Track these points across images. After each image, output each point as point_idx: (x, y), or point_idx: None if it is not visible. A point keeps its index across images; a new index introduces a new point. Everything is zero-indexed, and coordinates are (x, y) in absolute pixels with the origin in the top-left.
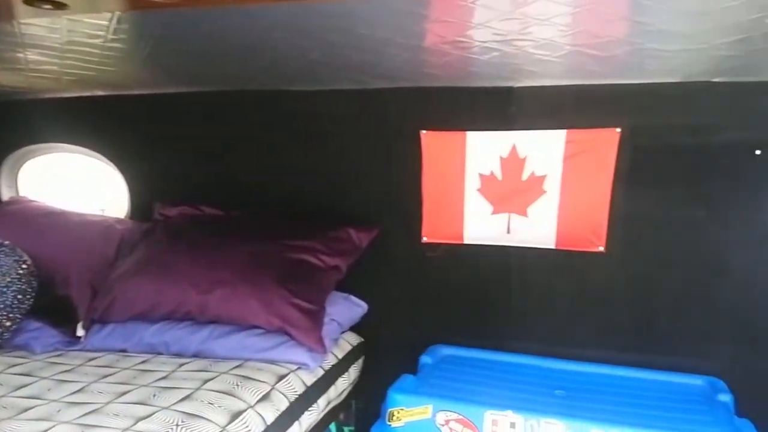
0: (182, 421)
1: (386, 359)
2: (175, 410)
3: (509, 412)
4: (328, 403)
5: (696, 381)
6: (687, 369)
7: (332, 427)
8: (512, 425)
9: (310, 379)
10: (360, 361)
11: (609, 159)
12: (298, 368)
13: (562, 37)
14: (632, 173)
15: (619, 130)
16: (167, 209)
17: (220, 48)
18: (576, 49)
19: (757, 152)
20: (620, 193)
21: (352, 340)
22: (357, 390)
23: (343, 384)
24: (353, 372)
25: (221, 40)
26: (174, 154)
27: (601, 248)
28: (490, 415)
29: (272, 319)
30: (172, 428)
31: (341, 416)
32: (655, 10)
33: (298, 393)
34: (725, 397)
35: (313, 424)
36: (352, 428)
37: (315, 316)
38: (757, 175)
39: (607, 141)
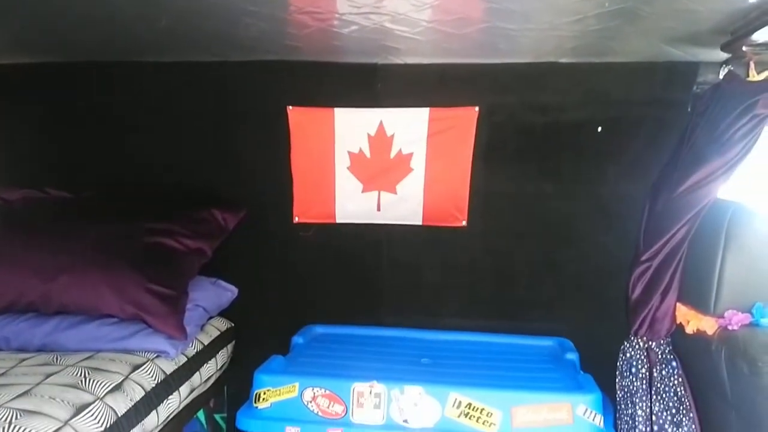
0: (16, 419)
1: (259, 343)
2: (9, 407)
3: (374, 383)
4: (192, 390)
5: (547, 342)
6: (541, 332)
7: (200, 415)
8: (377, 395)
9: (170, 368)
10: (229, 347)
11: (469, 137)
12: (157, 356)
13: (416, 12)
14: (490, 150)
15: (477, 108)
16: (7, 193)
17: (56, 14)
18: (432, 26)
19: (599, 129)
20: (479, 169)
21: (221, 325)
22: (228, 376)
23: (209, 371)
24: (221, 358)
25: (56, 4)
26: (15, 132)
27: (464, 223)
28: (355, 388)
29: (126, 306)
30: (3, 426)
31: (211, 403)
32: None
33: (156, 382)
34: (572, 356)
35: (174, 413)
36: (224, 415)
37: (174, 302)
38: (599, 151)
39: (466, 119)
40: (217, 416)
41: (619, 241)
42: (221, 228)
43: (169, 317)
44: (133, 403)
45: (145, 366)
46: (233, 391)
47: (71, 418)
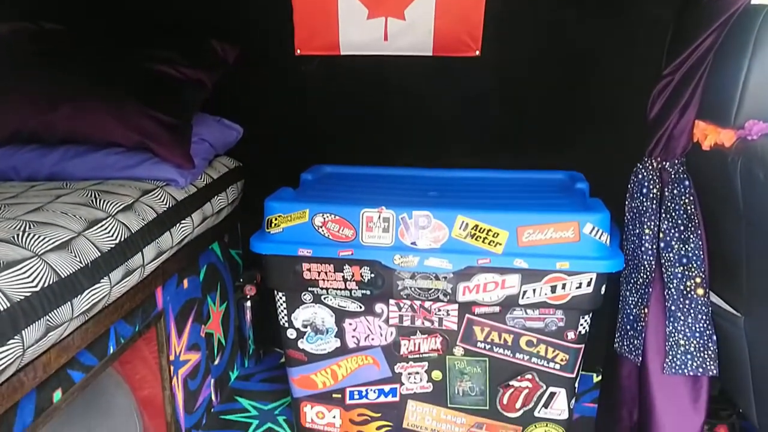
0: (30, 228)
1: (268, 181)
2: (23, 219)
3: (382, 208)
4: (204, 219)
5: (558, 176)
6: (553, 167)
7: (216, 248)
8: (385, 220)
9: (180, 195)
10: (239, 184)
11: None
12: (167, 185)
13: None
14: None
15: None
16: None
17: None
18: None
19: None
20: None
21: (229, 163)
22: (241, 212)
23: (219, 203)
24: (231, 193)
25: None
26: None
27: (477, 52)
28: (365, 213)
29: (130, 134)
30: (17, 234)
31: (226, 239)
32: None
33: (167, 207)
34: (582, 185)
35: (188, 237)
36: (239, 251)
37: (179, 131)
38: None
39: None
40: (232, 251)
41: (644, 71)
42: (220, 59)
43: (175, 146)
44: (145, 222)
45: (155, 192)
46: (247, 231)
47: (84, 230)
